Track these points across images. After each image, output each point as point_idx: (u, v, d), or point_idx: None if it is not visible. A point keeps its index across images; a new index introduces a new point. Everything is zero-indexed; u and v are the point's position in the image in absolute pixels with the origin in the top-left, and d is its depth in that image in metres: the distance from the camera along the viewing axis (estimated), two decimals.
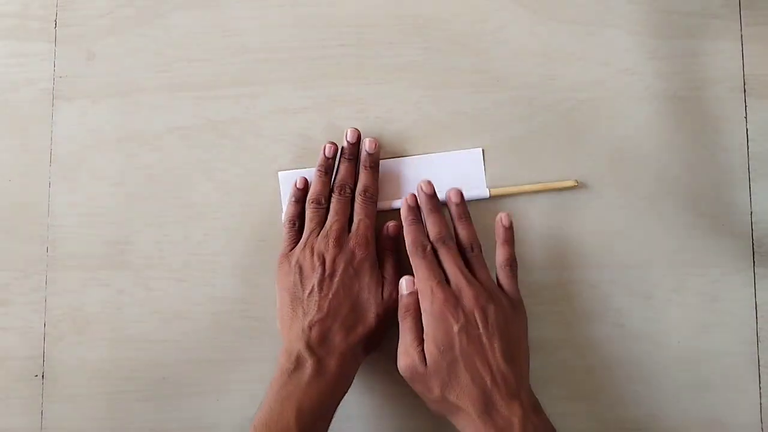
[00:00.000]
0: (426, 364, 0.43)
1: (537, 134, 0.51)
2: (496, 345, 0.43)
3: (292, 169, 0.50)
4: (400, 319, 0.46)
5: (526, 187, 0.50)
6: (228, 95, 0.51)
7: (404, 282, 0.46)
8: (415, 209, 0.48)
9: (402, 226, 0.48)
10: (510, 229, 0.47)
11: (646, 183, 0.50)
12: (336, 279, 0.46)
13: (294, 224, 0.49)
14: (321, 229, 0.47)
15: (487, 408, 0.42)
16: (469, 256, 0.47)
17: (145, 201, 0.51)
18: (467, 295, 0.44)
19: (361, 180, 0.49)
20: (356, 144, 0.49)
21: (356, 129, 0.49)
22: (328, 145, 0.49)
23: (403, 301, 0.46)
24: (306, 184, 0.49)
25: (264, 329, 0.50)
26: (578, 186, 0.50)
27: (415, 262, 0.46)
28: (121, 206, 0.51)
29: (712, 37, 0.51)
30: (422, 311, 0.45)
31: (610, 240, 0.50)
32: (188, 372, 0.50)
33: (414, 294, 0.46)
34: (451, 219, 0.48)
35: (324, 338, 0.45)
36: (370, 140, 0.49)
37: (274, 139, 0.51)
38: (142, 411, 0.50)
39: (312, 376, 0.43)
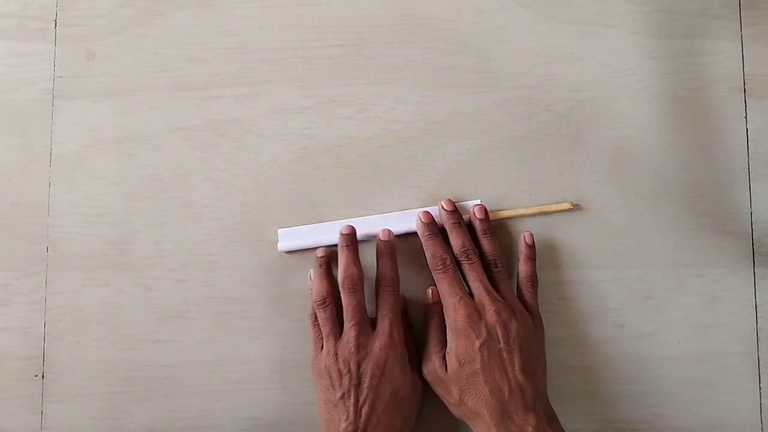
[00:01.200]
0: (447, 370, 0.45)
1: (537, 134, 0.51)
2: (516, 360, 0.44)
3: (290, 221, 0.50)
4: (425, 324, 0.48)
5: (522, 211, 0.50)
6: (228, 95, 0.51)
7: (429, 292, 0.48)
8: (432, 224, 0.48)
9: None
10: (532, 247, 0.49)
11: (646, 183, 0.50)
12: (365, 385, 0.45)
13: (317, 319, 0.48)
14: (338, 330, 0.46)
15: (503, 417, 0.43)
16: (493, 272, 0.47)
17: (145, 201, 0.51)
18: (490, 311, 0.45)
19: (379, 269, 0.48)
20: (353, 234, 0.48)
21: (351, 226, 0.48)
22: (319, 249, 0.49)
23: (428, 309, 0.48)
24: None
25: (264, 329, 0.50)
26: (574, 208, 0.50)
27: (437, 276, 0.47)
28: (121, 206, 0.51)
29: (712, 37, 0.51)
30: (446, 324, 0.46)
31: (610, 240, 0.50)
32: (188, 372, 0.50)
33: (438, 303, 0.47)
34: (475, 235, 0.49)
35: None
36: (383, 231, 0.48)
37: (274, 139, 0.51)
38: (142, 411, 0.50)
39: None
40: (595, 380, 0.49)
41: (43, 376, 0.50)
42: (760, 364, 0.49)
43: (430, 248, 0.47)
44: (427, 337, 0.47)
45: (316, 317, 0.48)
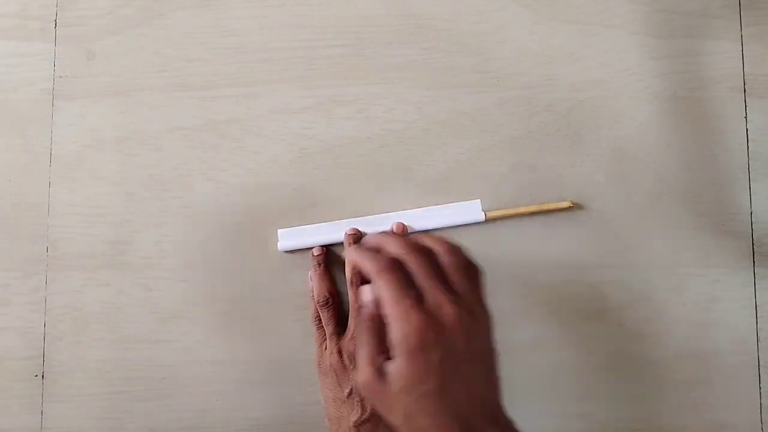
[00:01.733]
0: (390, 386, 0.36)
1: (537, 134, 0.51)
2: (477, 369, 0.37)
3: (290, 221, 0.50)
4: (356, 331, 0.41)
5: (521, 210, 0.50)
6: (228, 95, 0.51)
7: (366, 293, 0.40)
8: (356, 236, 0.48)
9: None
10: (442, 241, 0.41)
11: (646, 183, 0.50)
12: None
13: (319, 320, 0.48)
14: (341, 328, 0.47)
15: None
16: (442, 262, 0.39)
17: (145, 201, 0.51)
18: (449, 316, 0.36)
19: None
20: (358, 234, 0.48)
21: (356, 228, 0.49)
22: (315, 248, 0.49)
23: (363, 313, 0.39)
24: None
25: (264, 329, 0.50)
26: (574, 207, 0.50)
27: (380, 281, 0.37)
28: (121, 206, 0.51)
29: (712, 37, 0.51)
30: (392, 336, 0.37)
31: (610, 240, 0.50)
32: (188, 372, 0.50)
33: (372, 304, 0.39)
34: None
35: None
36: (397, 224, 0.48)
37: (274, 139, 0.51)
38: (142, 411, 0.50)
39: None
40: (595, 380, 0.49)
41: (43, 376, 0.50)
42: (760, 364, 0.49)
43: (358, 255, 0.40)
44: (361, 344, 0.38)
45: (319, 318, 0.48)
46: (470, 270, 0.40)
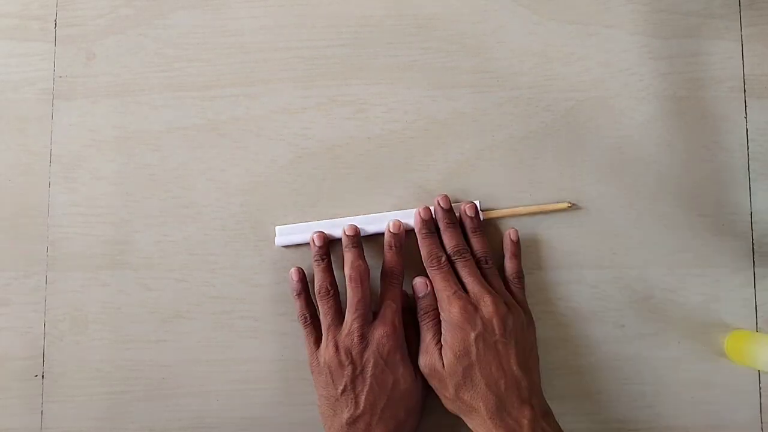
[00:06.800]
0: (444, 365, 0.45)
1: (537, 134, 0.51)
2: (511, 352, 0.44)
3: (290, 222, 0.50)
4: (420, 320, 0.47)
5: (520, 210, 0.50)
6: (228, 95, 0.51)
7: (418, 285, 0.48)
8: (429, 222, 0.48)
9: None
10: (517, 244, 0.49)
11: (646, 183, 0.50)
12: (368, 374, 0.45)
13: (306, 318, 0.48)
14: (339, 320, 0.47)
15: (498, 410, 0.43)
16: (483, 269, 0.48)
17: (145, 201, 0.51)
18: (486, 303, 0.45)
19: (386, 261, 0.48)
20: (357, 234, 0.48)
21: (354, 227, 0.48)
22: (316, 235, 0.49)
23: (422, 304, 0.47)
24: (302, 274, 0.49)
25: (264, 329, 0.50)
26: (572, 208, 0.50)
27: (432, 273, 0.47)
28: (121, 206, 0.51)
29: (712, 37, 0.51)
30: (441, 319, 0.46)
31: (610, 240, 0.50)
32: (188, 372, 0.50)
33: (430, 296, 0.47)
34: (465, 232, 0.49)
35: None
36: (393, 222, 0.48)
37: (274, 139, 0.51)
38: (142, 411, 0.50)
39: None
40: (595, 380, 0.49)
41: (43, 376, 0.50)
42: None
43: (426, 246, 0.48)
44: (422, 331, 0.47)
45: (305, 317, 0.48)
46: (514, 276, 0.49)
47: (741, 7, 0.51)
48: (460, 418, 0.46)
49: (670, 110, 0.50)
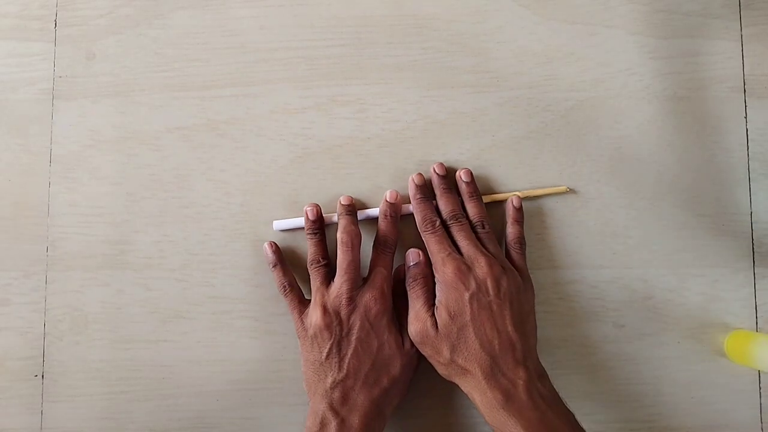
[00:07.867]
0: (437, 328, 0.44)
1: (537, 134, 0.51)
2: (506, 313, 0.44)
3: (286, 218, 0.50)
4: (408, 288, 0.47)
5: (516, 193, 0.50)
6: (228, 95, 0.51)
7: (410, 254, 0.47)
8: (424, 187, 0.49)
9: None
10: (520, 210, 0.49)
11: (646, 183, 0.50)
12: (353, 337, 0.45)
13: (285, 287, 0.48)
14: (328, 284, 0.47)
15: (493, 371, 0.43)
16: (479, 233, 0.47)
17: (145, 201, 0.51)
18: (480, 264, 0.45)
19: (380, 230, 0.48)
20: (352, 204, 0.49)
21: (350, 197, 0.49)
22: (309, 208, 0.49)
23: (411, 272, 0.47)
24: (276, 246, 0.49)
25: (264, 329, 0.50)
26: (570, 192, 0.50)
27: (426, 237, 0.47)
28: (121, 206, 0.51)
29: (712, 37, 0.51)
30: (436, 281, 0.46)
31: (610, 240, 0.50)
32: (188, 372, 0.50)
33: (420, 264, 0.47)
34: (461, 198, 0.49)
35: (346, 398, 0.44)
36: (391, 192, 0.49)
37: (274, 139, 0.51)
38: (142, 411, 0.50)
39: None
40: (595, 380, 0.49)
41: (43, 376, 0.50)
42: None
43: (420, 210, 0.48)
44: (411, 299, 0.46)
45: (284, 287, 0.48)
46: (516, 242, 0.49)
47: (741, 7, 0.51)
48: (455, 390, 0.45)
49: (670, 110, 0.50)
